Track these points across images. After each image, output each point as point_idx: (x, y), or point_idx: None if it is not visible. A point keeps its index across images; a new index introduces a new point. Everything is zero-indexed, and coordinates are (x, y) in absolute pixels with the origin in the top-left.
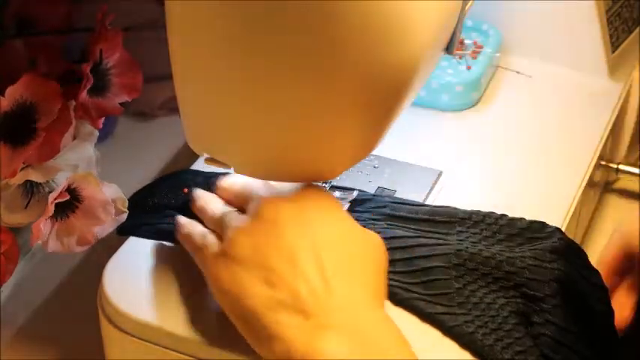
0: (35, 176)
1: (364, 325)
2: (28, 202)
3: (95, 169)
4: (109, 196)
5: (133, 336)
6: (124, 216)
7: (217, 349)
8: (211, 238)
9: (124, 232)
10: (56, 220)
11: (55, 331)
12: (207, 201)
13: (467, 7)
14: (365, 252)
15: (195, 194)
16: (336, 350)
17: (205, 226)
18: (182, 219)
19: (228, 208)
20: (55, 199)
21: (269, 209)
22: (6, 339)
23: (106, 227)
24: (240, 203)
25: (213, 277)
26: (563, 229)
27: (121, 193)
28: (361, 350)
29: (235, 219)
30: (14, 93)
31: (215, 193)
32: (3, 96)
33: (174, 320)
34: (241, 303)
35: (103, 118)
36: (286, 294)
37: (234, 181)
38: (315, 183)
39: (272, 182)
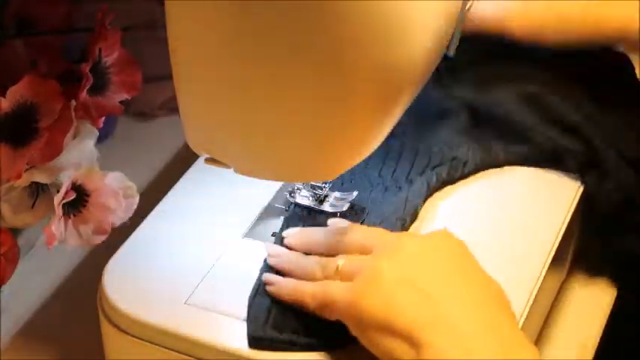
0: (40, 177)
1: None
2: (34, 203)
3: (97, 165)
4: (116, 185)
5: (133, 336)
6: (136, 199)
7: (217, 349)
8: (332, 283)
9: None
10: (69, 217)
11: (55, 331)
12: (297, 257)
13: (467, 7)
14: (495, 289)
15: (274, 252)
16: None
17: None
18: (278, 280)
19: (327, 258)
20: (62, 200)
21: (404, 242)
22: (6, 339)
23: (120, 214)
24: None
25: (353, 306)
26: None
27: (127, 179)
28: None
29: (362, 258)
30: (15, 93)
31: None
32: (4, 97)
33: (174, 320)
34: (392, 322)
35: (103, 118)
36: (440, 316)
37: (313, 234)
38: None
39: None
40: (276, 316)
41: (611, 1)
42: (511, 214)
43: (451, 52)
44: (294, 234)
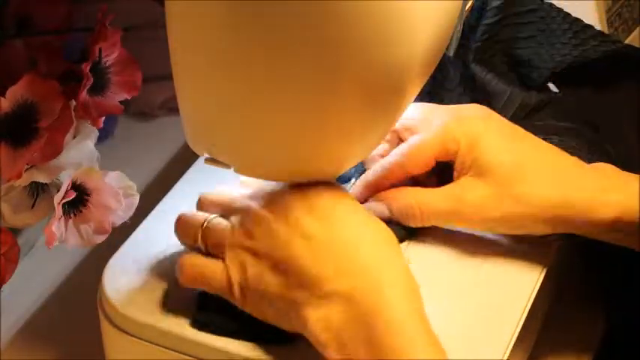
0: (40, 177)
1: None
2: (34, 202)
3: (97, 164)
4: (116, 184)
5: (133, 336)
6: (136, 199)
7: (217, 349)
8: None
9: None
10: (70, 217)
11: (55, 331)
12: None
13: (467, 7)
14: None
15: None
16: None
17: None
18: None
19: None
20: (62, 199)
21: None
22: (6, 339)
23: (120, 214)
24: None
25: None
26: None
27: (127, 178)
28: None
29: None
30: (15, 93)
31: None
32: (4, 97)
33: (174, 320)
34: (265, 301)
35: (103, 118)
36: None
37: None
38: None
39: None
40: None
41: (595, 192)
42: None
43: (451, 52)
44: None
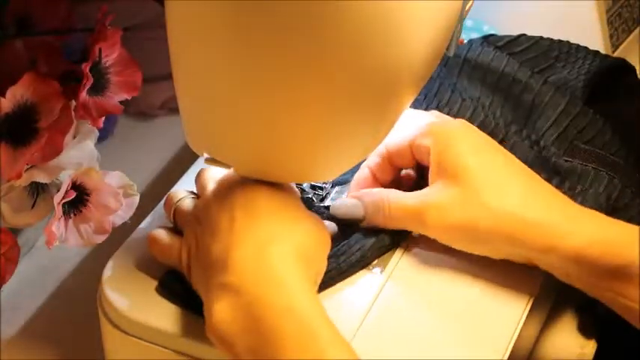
0: (40, 177)
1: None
2: (34, 202)
3: (97, 164)
4: (116, 184)
5: (133, 336)
6: (136, 199)
7: (217, 349)
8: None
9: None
10: (70, 217)
11: (55, 331)
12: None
13: (467, 8)
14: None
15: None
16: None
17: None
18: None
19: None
20: (62, 199)
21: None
22: (6, 339)
23: (121, 214)
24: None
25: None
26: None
27: (127, 178)
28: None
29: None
30: (15, 93)
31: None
32: (4, 97)
33: (175, 320)
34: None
35: (103, 118)
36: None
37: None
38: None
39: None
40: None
41: (561, 219)
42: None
43: (451, 53)
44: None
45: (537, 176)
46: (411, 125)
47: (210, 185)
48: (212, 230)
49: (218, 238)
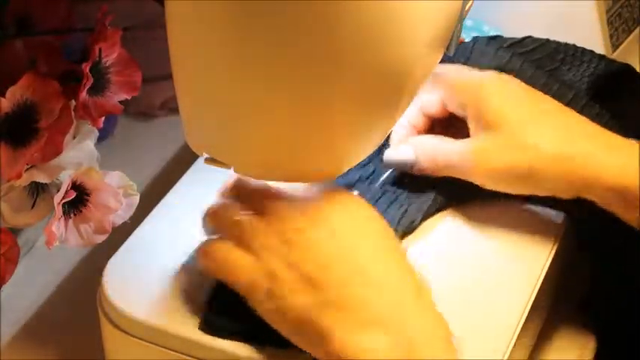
0: (40, 177)
1: (409, 318)
2: (34, 202)
3: (97, 164)
4: (115, 184)
5: (133, 336)
6: (136, 199)
7: (217, 349)
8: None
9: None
10: (70, 217)
11: (55, 331)
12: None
13: (467, 7)
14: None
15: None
16: (376, 346)
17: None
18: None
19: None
20: (62, 199)
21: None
22: (6, 339)
23: (121, 214)
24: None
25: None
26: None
27: (127, 178)
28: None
29: (252, 227)
30: (15, 93)
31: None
32: (4, 97)
33: (175, 320)
34: (287, 316)
35: (103, 118)
36: (328, 295)
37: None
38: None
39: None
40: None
41: (602, 150)
42: (497, 248)
43: (451, 52)
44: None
45: (575, 113)
46: (442, 79)
47: (280, 199)
48: (323, 258)
49: (342, 275)
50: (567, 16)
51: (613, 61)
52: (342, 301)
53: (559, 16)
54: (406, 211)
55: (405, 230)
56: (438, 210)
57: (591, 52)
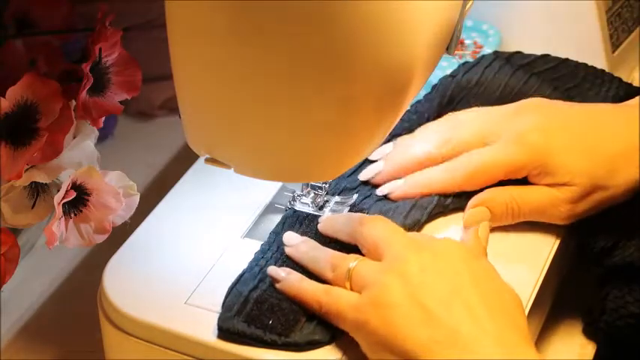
0: (40, 177)
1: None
2: (35, 203)
3: (97, 164)
4: (116, 184)
5: (133, 336)
6: (136, 199)
7: (217, 349)
8: (338, 291)
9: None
10: (70, 217)
11: (55, 331)
12: (312, 247)
13: (467, 7)
14: (508, 297)
15: (292, 241)
16: None
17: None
18: (282, 277)
19: (341, 255)
20: (62, 199)
21: (411, 257)
22: (6, 339)
23: (121, 214)
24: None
25: (360, 324)
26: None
27: (127, 178)
28: None
29: (372, 266)
30: (15, 93)
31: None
32: (4, 97)
33: (175, 320)
34: (399, 345)
35: (103, 118)
36: (447, 332)
37: (339, 221)
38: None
39: (386, 226)
40: (250, 309)
41: None
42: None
43: (451, 52)
44: (324, 218)
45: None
46: (486, 123)
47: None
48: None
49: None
50: (567, 16)
51: (631, 85)
52: (458, 343)
53: (559, 16)
54: (410, 210)
55: (410, 228)
56: (443, 213)
57: (610, 74)
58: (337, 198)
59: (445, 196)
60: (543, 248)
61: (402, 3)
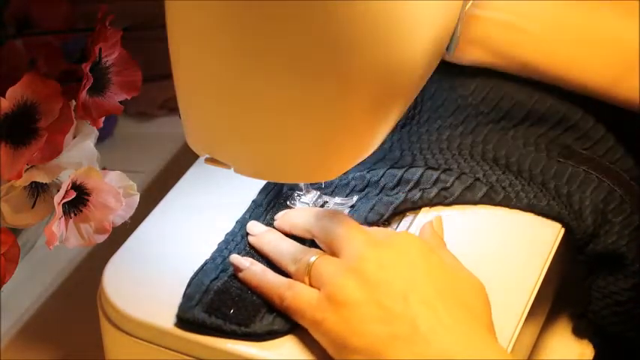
0: (40, 177)
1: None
2: (35, 202)
3: (97, 164)
4: (116, 184)
5: (133, 336)
6: (136, 199)
7: (217, 349)
8: (300, 288)
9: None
10: (70, 217)
11: (55, 331)
12: (276, 238)
13: (467, 7)
14: (468, 287)
15: (255, 230)
16: None
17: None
18: (245, 267)
19: (303, 248)
20: (62, 199)
21: (369, 254)
22: (6, 339)
23: (121, 214)
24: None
25: (317, 322)
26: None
27: (127, 178)
28: None
29: (331, 263)
30: (15, 93)
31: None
32: (4, 97)
33: (174, 320)
34: (358, 343)
35: (103, 118)
36: (405, 328)
37: (296, 216)
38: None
39: (342, 216)
40: (211, 299)
41: None
42: (491, 253)
43: (451, 52)
44: (282, 213)
45: None
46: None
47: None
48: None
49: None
50: None
51: None
52: (416, 337)
53: None
54: (374, 206)
55: (372, 224)
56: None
57: None
58: (337, 199)
59: (412, 191)
60: (542, 250)
61: (402, 3)
